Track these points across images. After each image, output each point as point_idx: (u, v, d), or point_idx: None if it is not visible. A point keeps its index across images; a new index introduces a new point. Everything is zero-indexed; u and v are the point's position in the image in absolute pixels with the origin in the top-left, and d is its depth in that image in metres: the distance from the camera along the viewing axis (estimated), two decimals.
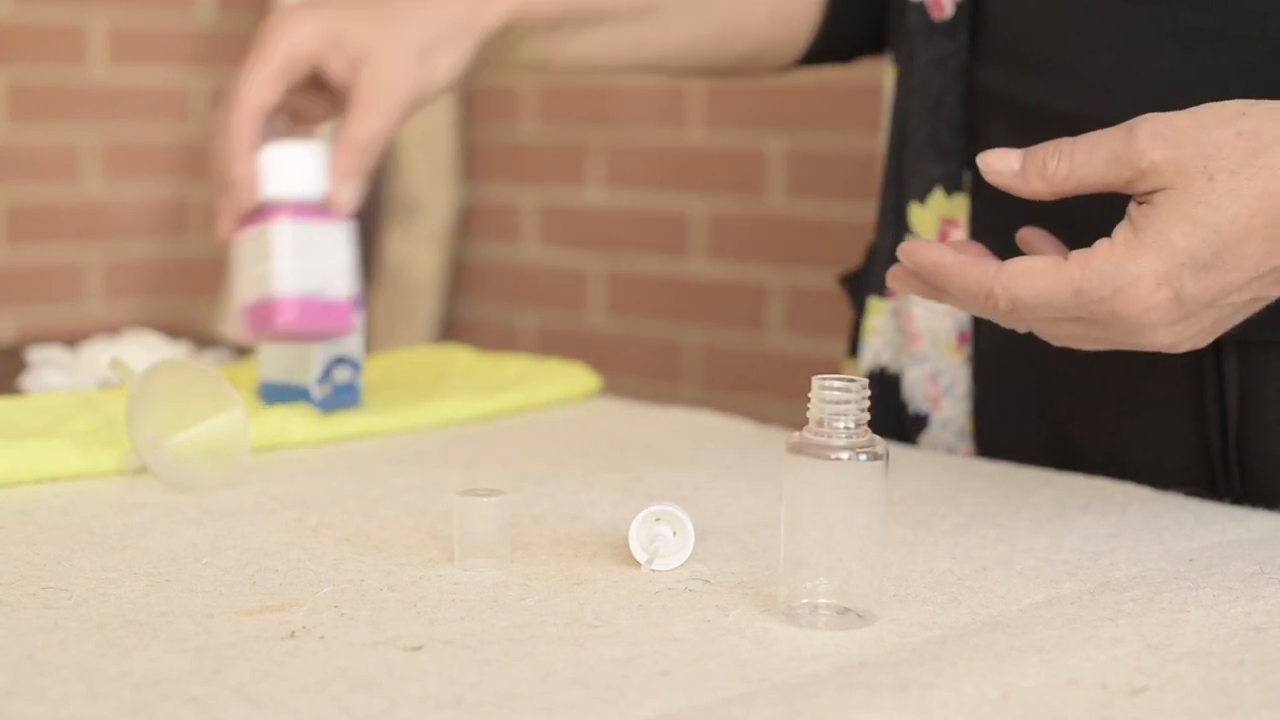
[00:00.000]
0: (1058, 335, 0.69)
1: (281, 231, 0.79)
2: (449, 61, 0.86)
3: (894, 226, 0.93)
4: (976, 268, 0.66)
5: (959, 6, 0.88)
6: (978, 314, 0.69)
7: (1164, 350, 0.67)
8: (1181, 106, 0.78)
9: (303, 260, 0.79)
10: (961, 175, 0.90)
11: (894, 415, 0.93)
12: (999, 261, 0.66)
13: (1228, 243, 0.63)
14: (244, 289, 0.81)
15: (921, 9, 0.90)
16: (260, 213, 0.80)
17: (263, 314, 0.79)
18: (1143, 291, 0.63)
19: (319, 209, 0.81)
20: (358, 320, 0.82)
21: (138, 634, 0.57)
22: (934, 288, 0.69)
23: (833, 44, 1.01)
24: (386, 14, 0.85)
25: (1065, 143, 0.67)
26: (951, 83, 0.89)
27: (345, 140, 0.83)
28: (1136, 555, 0.69)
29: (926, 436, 0.93)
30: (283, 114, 0.86)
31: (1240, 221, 0.63)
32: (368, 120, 0.83)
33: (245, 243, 0.81)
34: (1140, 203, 0.65)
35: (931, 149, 0.90)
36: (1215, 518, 0.74)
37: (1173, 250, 0.63)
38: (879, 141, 0.99)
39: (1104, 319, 0.65)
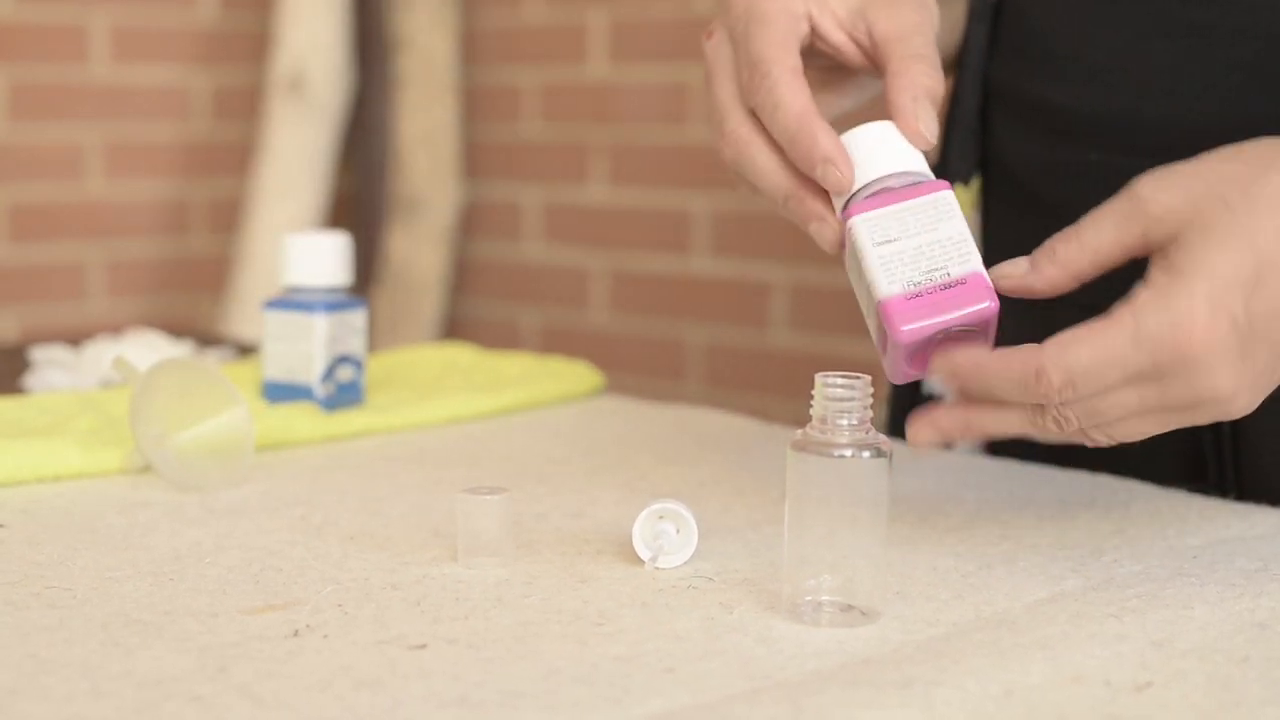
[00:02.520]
0: (1114, 412, 0.62)
1: (861, 228, 0.65)
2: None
3: None
4: (1018, 353, 0.62)
5: None
6: (1024, 430, 0.64)
7: (1225, 403, 0.62)
8: (1176, 101, 0.78)
9: (892, 250, 0.64)
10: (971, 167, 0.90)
11: (911, 397, 0.92)
12: (1038, 344, 0.62)
13: (1267, 258, 0.60)
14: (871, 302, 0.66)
15: None
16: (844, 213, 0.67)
17: (886, 332, 0.64)
18: (1200, 319, 0.59)
19: (901, 190, 0.66)
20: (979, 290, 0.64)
21: (141, 633, 0.57)
22: (965, 424, 0.65)
23: None
24: None
25: (1068, 229, 0.64)
26: (971, 73, 0.89)
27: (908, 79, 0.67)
28: (1140, 552, 0.69)
29: None
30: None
31: (1270, 234, 0.60)
32: (910, 46, 0.68)
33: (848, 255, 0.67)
34: (1164, 250, 0.62)
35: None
36: (1219, 514, 0.74)
37: (1214, 269, 0.60)
38: None
39: (1167, 365, 0.60)
